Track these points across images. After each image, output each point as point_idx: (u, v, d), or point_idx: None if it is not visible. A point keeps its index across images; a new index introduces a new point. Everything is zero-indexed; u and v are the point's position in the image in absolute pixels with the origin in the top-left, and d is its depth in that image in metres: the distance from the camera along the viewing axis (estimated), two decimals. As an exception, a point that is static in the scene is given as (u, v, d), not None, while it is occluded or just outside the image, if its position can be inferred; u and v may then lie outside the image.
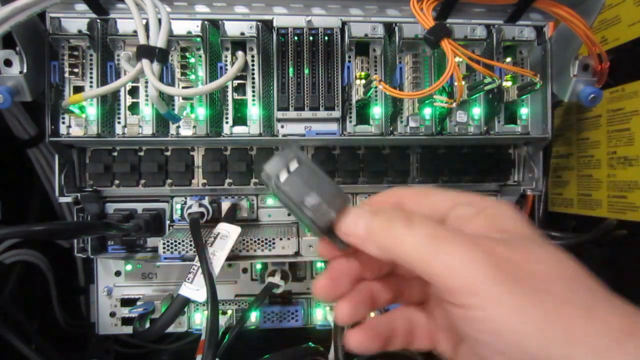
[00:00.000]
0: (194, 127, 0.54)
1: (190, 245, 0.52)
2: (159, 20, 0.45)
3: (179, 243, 0.53)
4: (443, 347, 0.29)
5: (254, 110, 0.54)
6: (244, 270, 0.65)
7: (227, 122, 0.55)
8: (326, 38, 0.54)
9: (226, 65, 0.53)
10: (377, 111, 0.56)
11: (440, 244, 0.22)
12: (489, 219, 0.25)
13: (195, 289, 0.47)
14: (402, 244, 0.23)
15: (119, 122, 0.54)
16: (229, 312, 0.62)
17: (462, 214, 0.26)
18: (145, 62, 0.44)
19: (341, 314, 0.27)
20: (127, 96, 0.54)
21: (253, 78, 0.54)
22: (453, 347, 0.28)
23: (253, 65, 0.54)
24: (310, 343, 0.55)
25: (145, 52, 0.44)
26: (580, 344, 0.20)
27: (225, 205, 0.58)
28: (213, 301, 0.46)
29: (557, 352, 0.20)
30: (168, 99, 0.53)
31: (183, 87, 0.53)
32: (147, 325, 0.54)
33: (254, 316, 0.61)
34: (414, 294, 0.30)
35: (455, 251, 0.22)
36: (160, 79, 0.46)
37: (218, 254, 0.49)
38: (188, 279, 0.48)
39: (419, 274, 0.23)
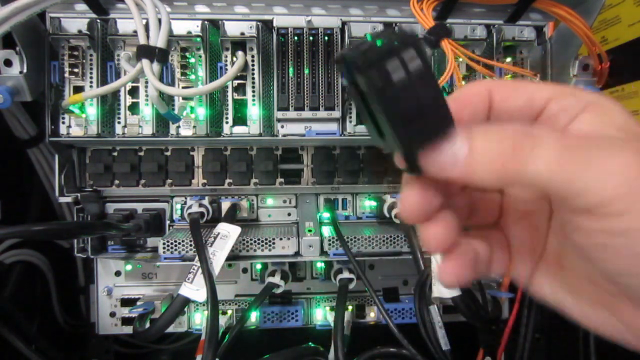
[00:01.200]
0: (194, 127, 0.53)
1: (190, 245, 0.52)
2: (159, 20, 0.45)
3: (179, 243, 0.53)
4: (519, 270, 0.27)
5: (254, 110, 0.54)
6: (244, 270, 0.65)
7: (227, 122, 0.55)
8: (326, 38, 0.54)
9: (226, 65, 0.53)
10: (377, 111, 0.56)
11: (580, 155, 0.18)
12: (602, 115, 0.21)
13: (195, 289, 0.47)
14: (531, 165, 0.19)
15: (119, 122, 0.54)
16: (229, 312, 0.62)
17: (566, 106, 0.22)
18: (145, 62, 0.44)
19: (434, 239, 0.23)
20: (127, 96, 0.54)
21: (253, 78, 0.54)
22: (531, 268, 0.26)
23: (253, 65, 0.54)
24: (310, 343, 0.55)
25: (145, 52, 0.44)
26: None
27: (225, 205, 0.58)
28: (213, 301, 0.46)
29: None
30: (168, 99, 0.53)
31: (183, 87, 0.53)
32: (147, 325, 0.54)
33: (254, 316, 0.61)
34: (488, 216, 0.27)
35: (600, 159, 0.18)
36: (160, 79, 0.46)
37: (218, 254, 0.49)
38: (188, 279, 0.48)
39: (550, 194, 0.20)
